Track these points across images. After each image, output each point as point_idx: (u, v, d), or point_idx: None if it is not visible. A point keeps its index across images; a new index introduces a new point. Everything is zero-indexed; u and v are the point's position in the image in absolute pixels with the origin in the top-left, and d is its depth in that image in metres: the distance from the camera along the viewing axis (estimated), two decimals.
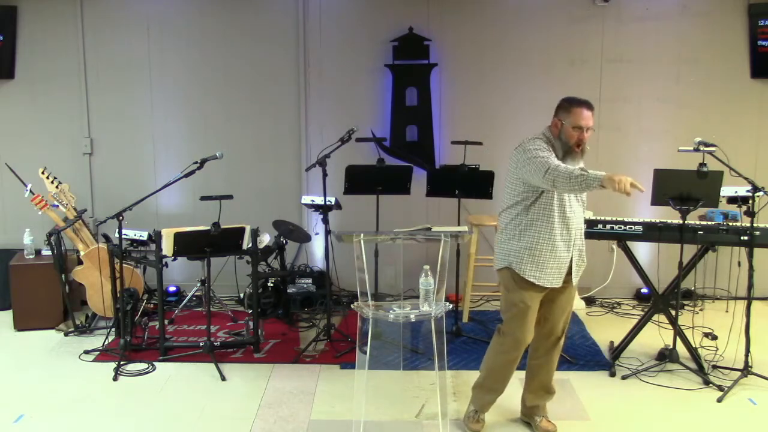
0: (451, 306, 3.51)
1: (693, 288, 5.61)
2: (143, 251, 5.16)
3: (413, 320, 3.26)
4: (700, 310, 5.61)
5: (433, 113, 5.92)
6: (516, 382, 4.26)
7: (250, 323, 4.90)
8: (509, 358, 3.58)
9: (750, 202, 4.21)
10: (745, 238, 4.27)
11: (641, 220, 4.55)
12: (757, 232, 4.27)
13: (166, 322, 5.12)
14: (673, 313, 4.48)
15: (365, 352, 3.38)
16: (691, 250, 4.48)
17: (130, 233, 5.10)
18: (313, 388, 4.20)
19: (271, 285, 5.48)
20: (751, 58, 5.78)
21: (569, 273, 3.47)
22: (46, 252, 5.34)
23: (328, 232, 4.88)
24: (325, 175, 4.65)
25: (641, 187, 3.10)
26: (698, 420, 3.83)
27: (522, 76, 5.91)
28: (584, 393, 4.14)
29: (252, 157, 6.06)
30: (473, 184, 5.01)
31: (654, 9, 5.81)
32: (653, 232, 4.52)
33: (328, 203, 4.88)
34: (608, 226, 4.58)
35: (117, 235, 4.49)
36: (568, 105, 3.47)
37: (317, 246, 6.04)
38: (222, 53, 5.95)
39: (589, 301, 5.92)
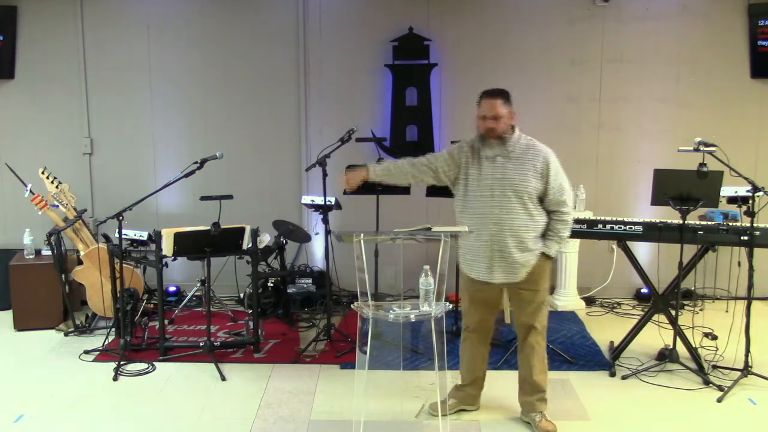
0: (451, 306, 3.51)
1: (693, 288, 5.61)
2: (143, 251, 5.16)
3: (413, 320, 3.25)
4: (700, 310, 5.60)
5: (433, 113, 5.92)
6: (518, 385, 4.27)
7: (250, 323, 4.90)
8: (462, 342, 3.84)
9: (750, 202, 4.21)
10: (745, 238, 4.27)
11: (641, 220, 4.55)
12: (757, 232, 4.27)
13: (166, 322, 5.12)
14: (673, 313, 4.48)
15: (365, 352, 3.38)
16: (691, 250, 4.48)
17: (130, 233, 5.10)
18: (313, 388, 4.20)
19: (271, 285, 5.48)
20: (751, 58, 5.78)
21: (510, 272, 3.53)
22: (46, 252, 5.34)
23: (328, 232, 4.87)
24: (325, 175, 4.65)
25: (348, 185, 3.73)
26: (698, 420, 3.83)
27: (522, 76, 5.91)
28: (584, 393, 4.14)
29: (252, 157, 6.05)
30: None
31: (654, 9, 5.81)
32: (653, 232, 4.52)
33: (328, 203, 4.88)
34: (608, 226, 4.57)
35: (117, 235, 4.49)
36: (478, 99, 3.61)
37: (317, 246, 6.04)
38: (222, 53, 5.95)
39: (589, 301, 5.92)
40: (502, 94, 3.58)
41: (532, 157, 3.51)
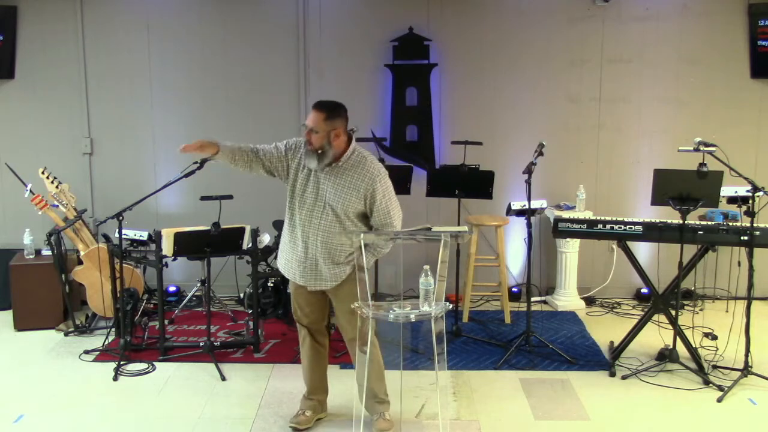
0: (451, 306, 3.51)
1: (693, 288, 5.60)
2: (143, 251, 5.16)
3: (413, 320, 3.25)
4: (700, 310, 5.60)
5: (433, 113, 5.92)
6: (518, 385, 4.27)
7: (250, 323, 4.91)
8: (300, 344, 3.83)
9: (750, 202, 4.21)
10: (745, 238, 4.27)
11: (641, 220, 4.55)
12: (757, 232, 4.27)
13: (166, 322, 5.12)
14: (673, 313, 4.48)
15: (365, 352, 3.38)
16: (691, 250, 4.48)
17: (130, 233, 5.10)
18: None
19: (271, 285, 5.48)
20: (751, 58, 5.78)
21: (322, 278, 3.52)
22: (46, 252, 5.34)
23: None
24: None
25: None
26: (698, 420, 3.83)
27: (522, 76, 5.91)
28: (584, 393, 4.14)
29: None
30: (473, 184, 5.02)
31: (654, 9, 5.81)
32: (653, 232, 4.52)
33: None
34: (608, 226, 4.57)
35: (117, 235, 4.49)
36: None
37: None
38: (222, 53, 5.95)
39: (589, 301, 5.92)
40: (328, 109, 3.45)
41: (357, 178, 3.43)
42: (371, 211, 3.48)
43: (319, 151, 3.40)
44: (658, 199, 4.41)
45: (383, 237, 3.46)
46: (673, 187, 4.33)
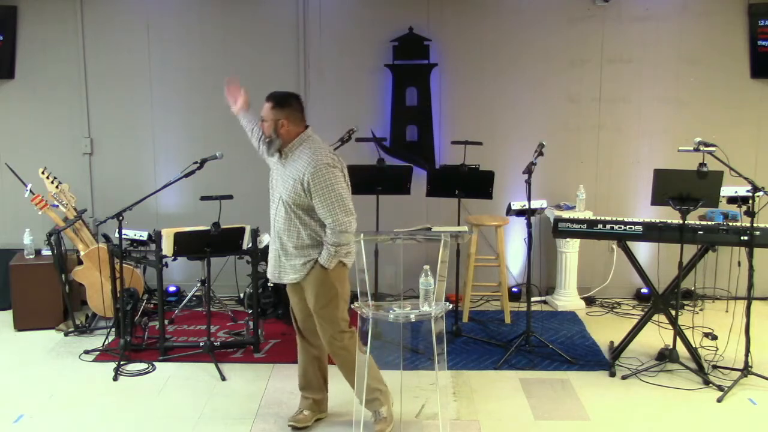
0: (451, 306, 3.51)
1: (693, 288, 5.60)
2: (143, 251, 5.16)
3: (413, 320, 3.26)
4: (700, 310, 5.60)
5: (433, 113, 5.92)
6: (518, 385, 4.28)
7: (250, 323, 4.91)
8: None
9: (750, 202, 4.21)
10: (745, 238, 4.27)
11: (641, 220, 4.55)
12: (757, 232, 4.27)
13: (166, 322, 5.12)
14: (673, 313, 4.48)
15: (365, 352, 3.38)
16: (691, 250, 4.48)
17: (130, 233, 5.10)
18: None
19: (271, 285, 5.48)
20: (751, 58, 5.78)
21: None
22: (46, 252, 5.34)
23: None
24: None
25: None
26: (698, 420, 3.83)
27: (522, 76, 5.91)
28: (584, 393, 4.14)
29: (252, 157, 5.99)
30: (473, 184, 5.02)
31: (654, 9, 5.81)
32: (653, 232, 4.52)
33: None
34: (608, 226, 4.57)
35: (117, 235, 4.49)
36: None
37: None
38: (222, 53, 5.94)
39: (589, 301, 5.92)
40: (275, 100, 3.59)
41: (296, 168, 3.45)
42: (315, 204, 3.45)
43: (268, 139, 3.55)
44: (658, 199, 4.41)
45: (385, 236, 3.46)
46: (673, 187, 4.33)
